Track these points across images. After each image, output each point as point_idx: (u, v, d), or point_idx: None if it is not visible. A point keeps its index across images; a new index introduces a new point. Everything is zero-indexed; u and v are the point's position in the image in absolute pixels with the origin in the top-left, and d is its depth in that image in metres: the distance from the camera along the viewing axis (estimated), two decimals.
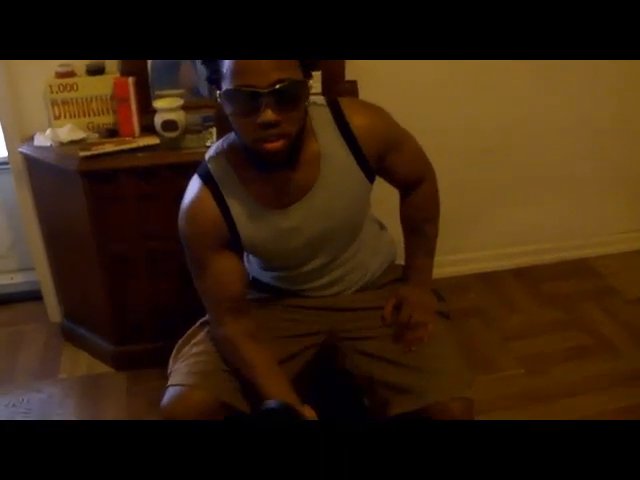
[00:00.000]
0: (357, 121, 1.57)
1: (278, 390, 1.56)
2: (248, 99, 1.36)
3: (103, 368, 2.65)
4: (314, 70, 1.44)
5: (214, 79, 1.42)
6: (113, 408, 2.43)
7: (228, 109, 1.42)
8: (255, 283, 1.82)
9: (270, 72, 1.33)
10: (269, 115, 1.35)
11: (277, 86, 1.34)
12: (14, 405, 2.45)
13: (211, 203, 1.55)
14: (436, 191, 1.79)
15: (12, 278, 3.06)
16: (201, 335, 1.73)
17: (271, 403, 1.48)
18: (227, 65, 1.37)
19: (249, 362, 1.60)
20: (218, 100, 1.43)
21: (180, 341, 1.76)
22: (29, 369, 2.65)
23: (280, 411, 1.45)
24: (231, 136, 1.58)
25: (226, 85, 1.38)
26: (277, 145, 1.41)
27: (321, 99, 1.60)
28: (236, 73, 1.35)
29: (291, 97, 1.38)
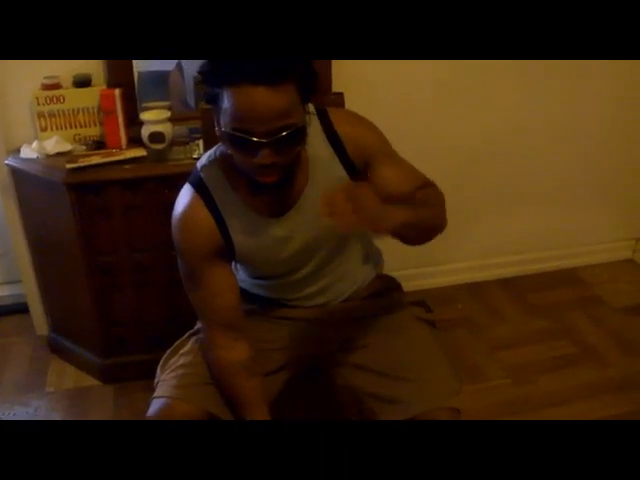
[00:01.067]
0: (345, 129, 1.58)
1: None
2: (247, 143, 1.36)
3: (90, 381, 2.64)
4: (312, 93, 1.44)
5: (213, 101, 1.40)
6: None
7: (225, 145, 1.44)
8: (243, 294, 1.81)
9: (270, 121, 1.33)
10: (267, 158, 1.36)
11: (276, 136, 1.34)
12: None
13: (204, 211, 1.55)
14: (441, 194, 1.66)
15: None
16: (189, 346, 1.73)
17: None
18: (228, 104, 1.35)
19: (237, 396, 1.62)
20: (216, 131, 1.43)
21: (168, 351, 1.75)
22: (16, 382, 2.64)
23: None
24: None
25: (224, 121, 1.37)
26: (272, 179, 1.43)
27: (310, 107, 1.58)
28: (236, 117, 1.35)
29: (290, 142, 1.38)
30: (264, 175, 1.42)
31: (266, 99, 1.31)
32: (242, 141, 1.36)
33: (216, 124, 1.43)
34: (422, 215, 1.48)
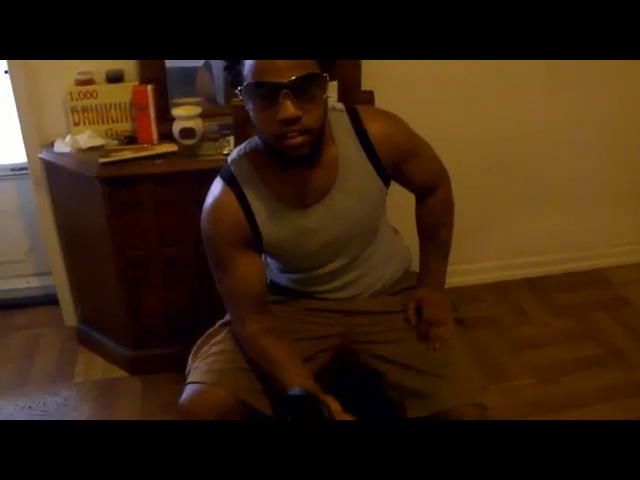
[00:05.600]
0: (374, 128, 1.61)
1: (300, 381, 1.52)
2: (268, 92, 1.39)
3: (118, 372, 2.68)
4: (332, 68, 1.47)
5: (237, 83, 1.45)
6: (128, 412, 2.45)
7: (250, 106, 1.45)
8: (272, 286, 1.84)
9: (289, 70, 1.37)
10: (289, 109, 1.38)
11: (295, 77, 1.36)
12: (30, 407, 2.48)
13: (234, 203, 1.59)
14: (451, 197, 1.82)
15: (29, 282, 3.10)
16: (221, 335, 1.76)
17: (295, 390, 1.47)
18: (248, 66, 1.40)
19: (270, 356, 1.60)
20: (240, 97, 1.46)
21: (199, 341, 1.78)
22: (45, 373, 2.68)
23: (305, 398, 1.44)
24: (253, 140, 1.61)
25: (248, 80, 1.41)
26: (298, 140, 1.43)
27: (340, 105, 1.64)
28: (257, 71, 1.39)
29: (310, 90, 1.41)
30: (290, 138, 1.43)
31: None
32: (263, 91, 1.39)
33: (240, 95, 1.46)
34: (447, 251, 1.86)
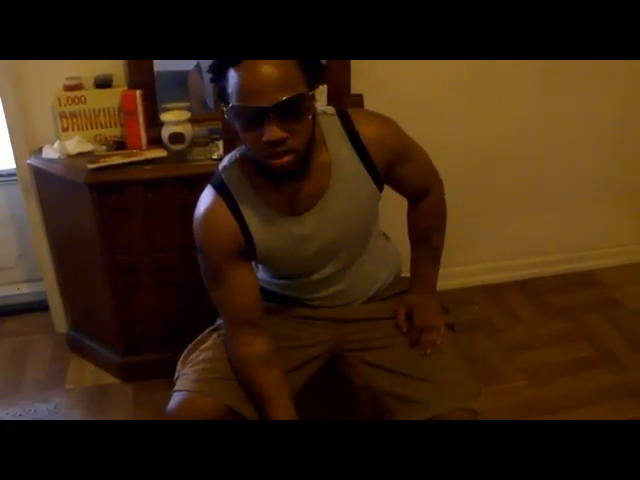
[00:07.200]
0: (366, 131, 1.59)
1: (283, 415, 1.61)
2: (253, 114, 1.37)
3: (109, 379, 2.66)
4: (319, 84, 1.45)
5: (223, 98, 1.43)
6: (119, 419, 2.43)
7: (235, 124, 1.44)
8: (263, 293, 1.82)
9: (275, 92, 1.35)
10: (274, 132, 1.36)
11: (279, 100, 1.34)
12: (21, 415, 2.46)
13: (226, 212, 1.56)
14: (443, 201, 1.81)
15: (19, 289, 3.08)
16: (210, 342, 1.74)
17: None
18: (232, 85, 1.38)
19: (258, 388, 1.62)
20: (226, 117, 1.45)
21: (189, 346, 1.77)
22: (36, 380, 2.66)
23: None
24: (244, 147, 1.58)
25: (233, 102, 1.40)
26: (284, 161, 1.42)
27: (330, 109, 1.62)
28: (242, 92, 1.37)
29: (295, 111, 1.39)
30: (276, 157, 1.42)
31: (267, 69, 1.34)
32: (248, 113, 1.38)
33: (225, 113, 1.45)
34: (439, 256, 1.83)
